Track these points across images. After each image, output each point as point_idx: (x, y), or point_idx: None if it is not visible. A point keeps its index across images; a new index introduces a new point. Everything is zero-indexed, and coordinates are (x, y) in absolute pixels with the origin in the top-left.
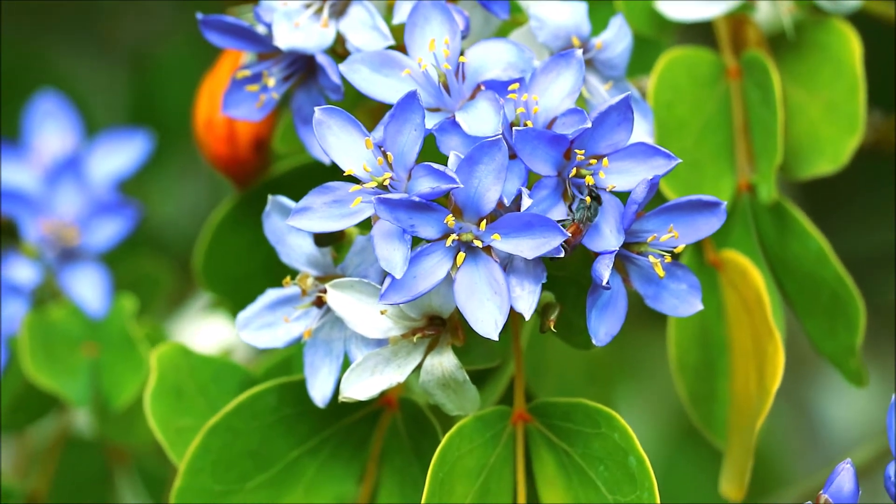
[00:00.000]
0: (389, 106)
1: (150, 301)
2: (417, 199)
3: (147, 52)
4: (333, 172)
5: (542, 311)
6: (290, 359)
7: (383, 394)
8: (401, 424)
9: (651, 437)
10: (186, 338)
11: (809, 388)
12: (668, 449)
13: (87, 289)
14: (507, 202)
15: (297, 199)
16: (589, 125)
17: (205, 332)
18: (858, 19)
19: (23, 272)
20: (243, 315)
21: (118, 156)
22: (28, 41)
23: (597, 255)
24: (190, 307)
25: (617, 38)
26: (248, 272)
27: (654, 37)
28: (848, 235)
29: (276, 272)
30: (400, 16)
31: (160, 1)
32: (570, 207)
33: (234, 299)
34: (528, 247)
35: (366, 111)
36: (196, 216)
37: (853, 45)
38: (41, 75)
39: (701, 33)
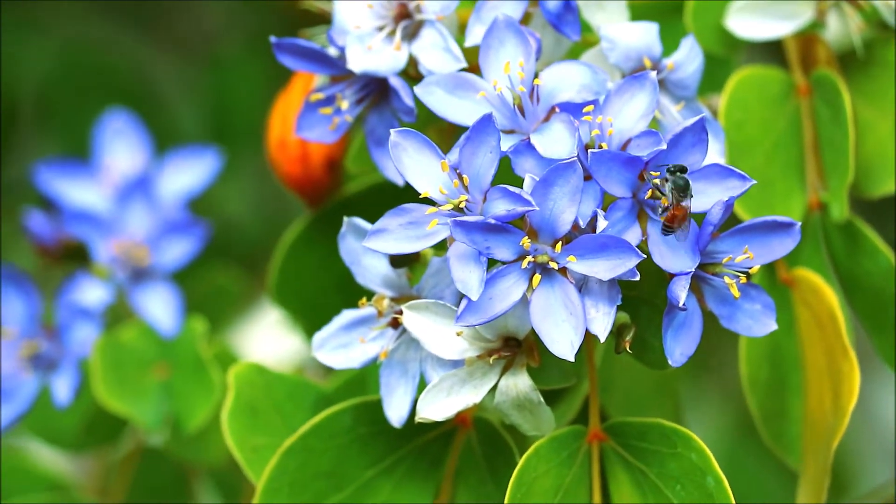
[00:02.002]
0: (461, 126)
1: (222, 313)
2: (493, 221)
3: (211, 49)
4: (404, 192)
5: (616, 331)
6: (363, 375)
7: (458, 413)
8: (475, 443)
9: (711, 429)
10: (252, 345)
11: (873, 394)
12: (730, 442)
13: (159, 308)
14: (582, 224)
15: (368, 218)
16: (664, 147)
17: (270, 338)
18: None
19: (93, 293)
20: (319, 336)
21: (188, 173)
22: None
23: (671, 275)
24: (256, 313)
25: (688, 58)
26: (320, 290)
27: (724, 55)
28: None
29: (348, 290)
30: (473, 38)
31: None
32: (662, 193)
33: (307, 316)
34: (604, 268)
35: (436, 131)
36: (260, 216)
37: None
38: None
39: (770, 51)
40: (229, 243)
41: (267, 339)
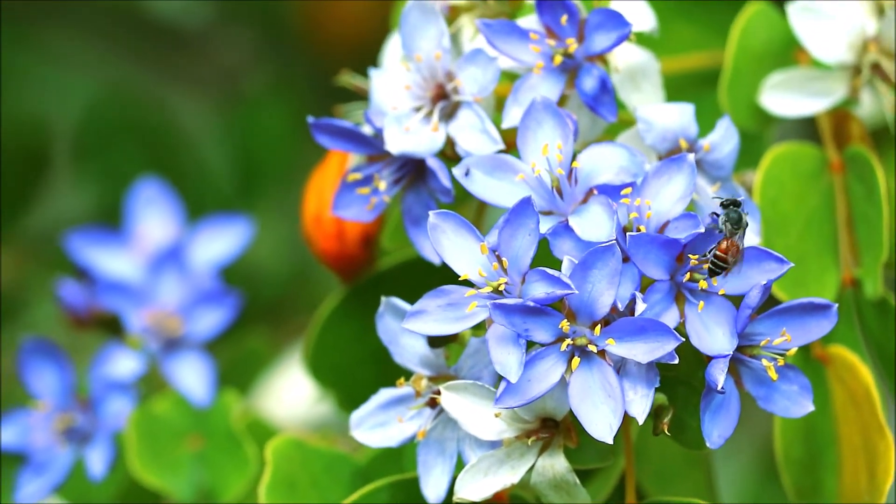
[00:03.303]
0: (499, 208)
1: (253, 376)
2: (532, 304)
3: (236, 87)
4: (438, 268)
5: (654, 413)
6: (399, 449)
7: (495, 493)
8: None
9: (735, 473)
10: (277, 401)
11: None
12: (753, 485)
13: (192, 378)
14: (620, 306)
15: (403, 293)
16: (702, 230)
17: (295, 394)
18: None
19: (126, 365)
20: (357, 414)
21: (220, 242)
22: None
23: (709, 357)
24: (281, 366)
25: (724, 139)
26: (354, 362)
27: (757, 131)
28: None
29: (382, 363)
30: (511, 119)
31: (243, 35)
32: (717, 223)
33: (340, 388)
34: (643, 351)
35: (472, 208)
36: (286, 260)
37: None
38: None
39: (803, 126)
40: (254, 291)
41: (293, 392)
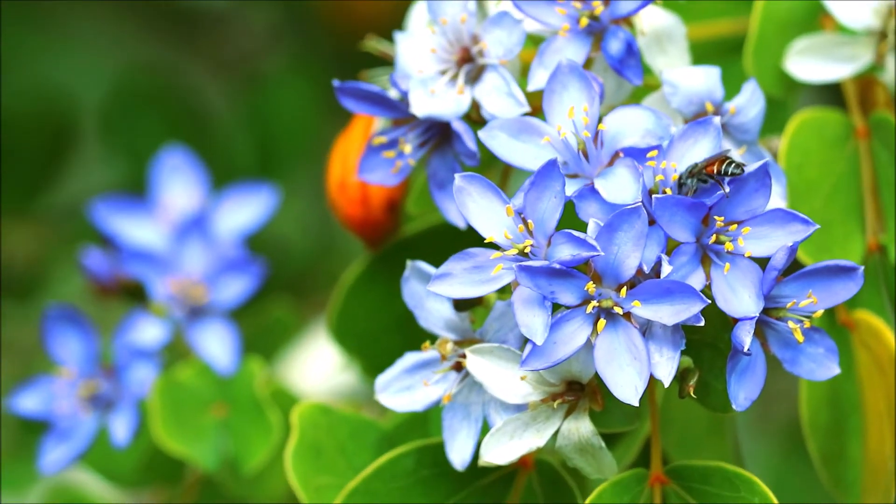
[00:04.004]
0: (525, 171)
1: (278, 345)
2: (558, 266)
3: (257, 67)
4: (464, 233)
5: (680, 376)
6: (424, 412)
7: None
8: (536, 485)
9: (760, 448)
10: (303, 372)
11: None
12: (778, 461)
13: (217, 346)
14: (646, 269)
15: (428, 258)
16: (727, 192)
17: (320, 364)
18: None
19: (150, 332)
20: (382, 378)
21: (244, 210)
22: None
23: (735, 319)
24: (306, 338)
25: (750, 102)
26: (379, 329)
27: (783, 97)
28: None
29: (407, 330)
30: (536, 82)
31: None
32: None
33: (365, 355)
34: (668, 313)
35: (497, 172)
36: (309, 236)
37: None
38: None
39: (829, 92)
40: (278, 264)
41: (317, 365)
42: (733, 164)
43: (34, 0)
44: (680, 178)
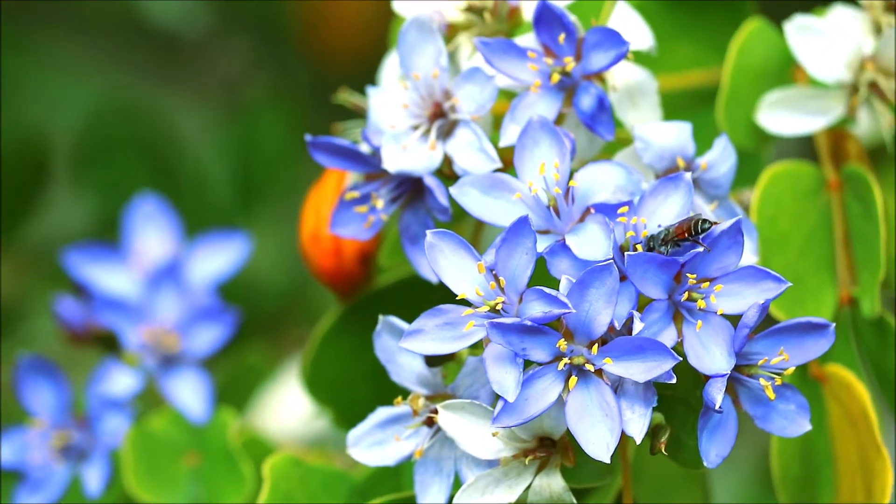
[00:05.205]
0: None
1: (251, 391)
2: (530, 323)
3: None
4: (435, 287)
5: (652, 432)
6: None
7: None
8: None
9: (733, 487)
10: (275, 408)
11: None
12: (749, 500)
13: (189, 395)
14: (618, 326)
15: (401, 311)
16: (700, 249)
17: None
18: None
19: (123, 381)
20: (354, 433)
21: (217, 258)
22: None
23: (706, 377)
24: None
25: (721, 158)
26: (352, 379)
27: (755, 150)
28: None
29: (379, 380)
30: (508, 138)
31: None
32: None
33: (338, 405)
34: (640, 370)
35: (469, 226)
36: (282, 269)
37: None
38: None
39: (801, 144)
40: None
41: (290, 407)
42: (699, 223)
43: (12, 26)
44: (650, 244)
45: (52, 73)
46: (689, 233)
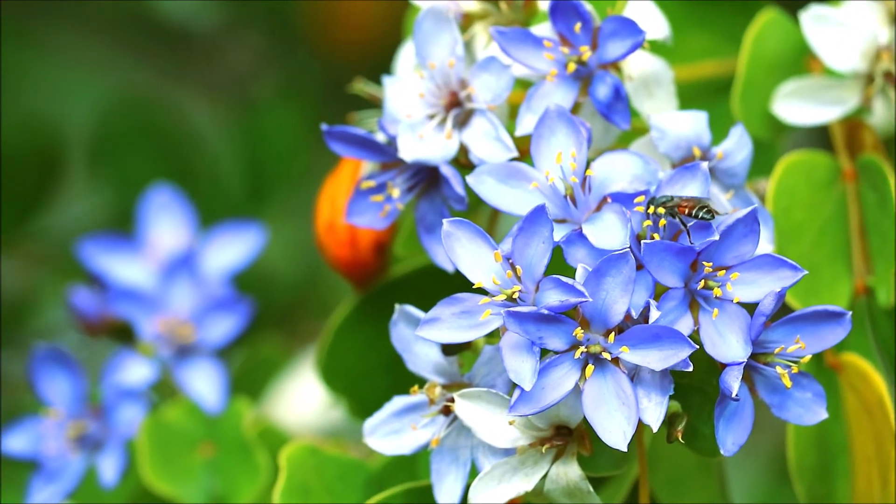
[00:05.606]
0: (513, 216)
1: (266, 381)
2: (546, 311)
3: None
4: (451, 275)
5: (668, 421)
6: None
7: (509, 500)
8: None
9: (749, 478)
10: (288, 403)
11: None
12: (766, 490)
13: (204, 385)
14: (634, 314)
15: (416, 300)
16: (716, 237)
17: (306, 397)
18: None
19: (138, 372)
20: (371, 422)
21: (232, 249)
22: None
23: (723, 365)
24: (292, 368)
25: (737, 147)
26: (367, 369)
27: (770, 140)
28: None
29: (395, 370)
30: (524, 127)
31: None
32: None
33: (353, 395)
34: (657, 359)
35: (485, 215)
36: (296, 262)
37: None
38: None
39: (816, 135)
40: (266, 295)
41: (305, 398)
42: (704, 210)
43: (23, 21)
44: (653, 200)
45: (66, 68)
46: (689, 212)
